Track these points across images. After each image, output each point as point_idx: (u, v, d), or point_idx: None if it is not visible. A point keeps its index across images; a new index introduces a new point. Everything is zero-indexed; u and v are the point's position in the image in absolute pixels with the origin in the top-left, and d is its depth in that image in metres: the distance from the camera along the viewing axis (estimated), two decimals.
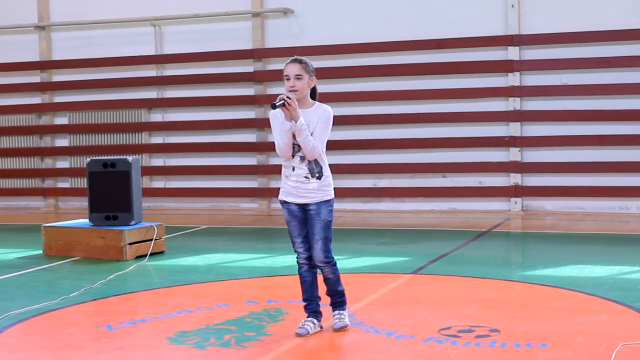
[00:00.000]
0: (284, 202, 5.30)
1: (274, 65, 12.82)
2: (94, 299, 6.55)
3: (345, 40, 12.49)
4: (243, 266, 8.14)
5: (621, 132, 11.48)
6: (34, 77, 14.13)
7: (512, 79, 11.87)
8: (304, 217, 5.25)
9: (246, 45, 13.07)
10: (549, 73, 11.80)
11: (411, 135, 12.32)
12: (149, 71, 13.61)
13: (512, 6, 11.83)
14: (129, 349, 5.15)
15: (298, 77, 5.13)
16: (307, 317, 5.35)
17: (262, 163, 13.06)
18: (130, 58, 13.53)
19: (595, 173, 11.64)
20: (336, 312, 5.44)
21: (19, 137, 14.29)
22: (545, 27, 11.75)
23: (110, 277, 7.47)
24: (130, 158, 8.79)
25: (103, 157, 9.15)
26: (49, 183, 14.18)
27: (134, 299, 6.72)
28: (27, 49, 14.13)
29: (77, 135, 14.01)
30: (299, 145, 5.13)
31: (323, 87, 5.39)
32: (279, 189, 5.37)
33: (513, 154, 11.92)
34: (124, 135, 13.74)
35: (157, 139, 13.71)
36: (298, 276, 5.40)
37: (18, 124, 14.25)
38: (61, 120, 14.11)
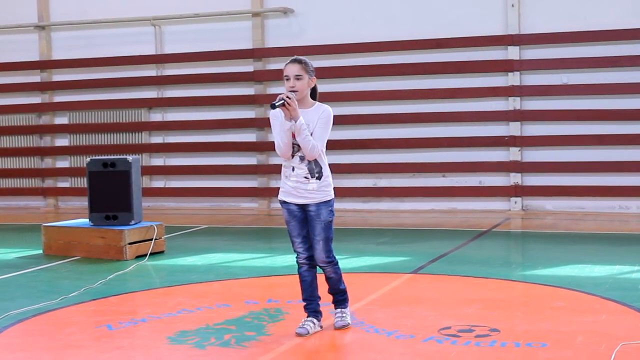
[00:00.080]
0: (283, 202, 5.30)
1: (274, 65, 12.82)
2: (94, 299, 6.55)
3: (345, 40, 12.49)
4: (243, 266, 8.14)
5: (621, 132, 11.49)
6: (34, 77, 14.13)
7: (512, 79, 11.87)
8: (304, 217, 5.25)
9: (246, 45, 13.07)
10: (549, 73, 11.80)
11: (411, 135, 12.32)
12: (149, 71, 13.61)
13: (512, 6, 11.83)
14: (128, 348, 5.15)
15: (298, 78, 5.13)
16: (307, 316, 5.35)
17: (262, 163, 13.07)
18: (130, 58, 13.52)
19: (595, 173, 11.63)
20: (338, 310, 5.44)
21: (19, 137, 14.29)
22: (545, 27, 11.75)
23: (110, 276, 7.47)
24: (130, 158, 8.79)
25: (103, 157, 9.15)
26: (49, 183, 14.18)
27: (134, 299, 6.71)
28: (27, 49, 14.13)
29: (77, 135, 14.01)
30: (298, 145, 5.13)
31: (323, 87, 5.39)
32: (279, 188, 5.37)
33: (513, 154, 11.92)
34: (124, 135, 13.74)
35: (157, 138, 13.71)
36: (298, 276, 5.40)
37: (18, 124, 14.25)
38: (61, 120, 14.11)
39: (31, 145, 14.26)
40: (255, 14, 12.96)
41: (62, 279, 7.57)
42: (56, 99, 14.12)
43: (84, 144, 13.94)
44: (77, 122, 13.93)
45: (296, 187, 5.21)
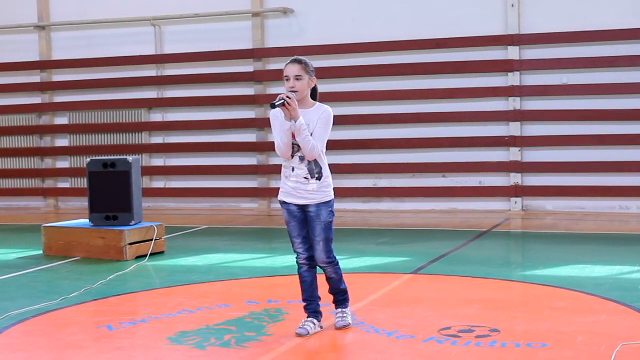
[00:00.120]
0: (283, 203, 5.30)
1: (274, 64, 12.83)
2: (94, 299, 6.55)
3: (345, 40, 12.49)
4: (243, 266, 8.14)
5: (621, 132, 11.49)
6: (34, 77, 14.13)
7: (512, 79, 11.87)
8: (304, 218, 5.25)
9: (246, 44, 13.07)
10: (549, 72, 11.80)
11: (411, 135, 12.32)
12: (149, 71, 13.61)
13: (512, 6, 11.83)
14: (129, 349, 5.15)
15: (297, 78, 5.13)
16: (307, 317, 5.35)
17: (262, 163, 13.07)
18: (130, 58, 13.53)
19: (595, 173, 11.64)
20: (339, 309, 5.44)
21: (19, 137, 14.29)
22: (545, 27, 11.75)
23: (110, 277, 7.47)
24: (130, 158, 8.79)
25: (103, 157, 9.15)
26: (49, 183, 14.18)
27: (134, 299, 6.71)
28: (27, 49, 14.13)
29: (77, 135, 14.01)
30: (298, 145, 5.13)
31: (322, 87, 5.39)
32: (278, 188, 5.37)
33: (513, 154, 11.92)
34: (124, 135, 13.74)
35: (157, 138, 13.71)
36: (298, 276, 5.40)
37: (18, 124, 14.24)
38: (61, 120, 14.11)
39: (31, 145, 14.26)
40: (255, 14, 12.96)
41: (62, 279, 7.57)
42: (56, 99, 14.12)
43: (84, 144, 13.94)
44: (77, 122, 13.93)
45: (296, 188, 5.21)
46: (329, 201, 5.24)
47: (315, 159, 5.17)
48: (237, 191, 13.22)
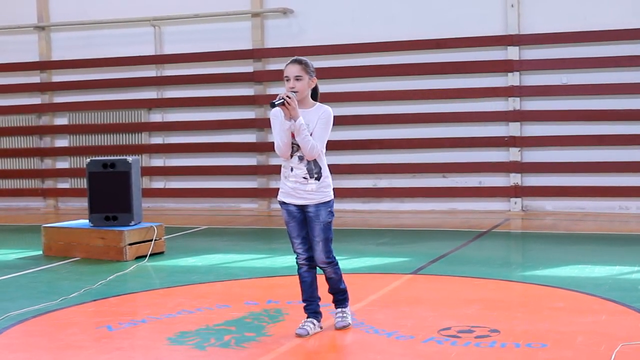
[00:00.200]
0: (282, 203, 5.30)
1: (274, 65, 12.82)
2: (94, 300, 6.55)
3: (345, 40, 12.49)
4: (243, 267, 8.14)
5: (621, 132, 11.48)
6: (34, 78, 14.13)
7: (512, 79, 11.87)
8: (303, 218, 5.24)
9: (246, 45, 13.07)
10: (549, 73, 11.80)
11: (411, 135, 12.32)
12: (149, 71, 13.61)
13: (512, 6, 11.82)
14: (128, 349, 5.15)
15: (298, 78, 5.13)
16: (307, 317, 5.35)
17: (262, 163, 13.06)
18: (130, 58, 13.52)
19: (595, 173, 11.63)
20: (338, 309, 5.45)
21: (19, 138, 14.29)
22: (544, 27, 11.74)
23: (110, 277, 7.47)
24: (130, 158, 8.79)
25: (103, 158, 9.14)
26: (48, 184, 14.18)
27: (134, 300, 6.71)
28: (26, 49, 14.13)
29: (77, 136, 14.01)
30: (298, 145, 5.13)
31: (322, 87, 5.38)
32: (278, 189, 5.37)
33: (513, 154, 11.92)
34: (124, 135, 13.74)
35: (157, 139, 13.71)
36: (298, 277, 5.39)
37: (18, 125, 14.24)
38: (61, 120, 14.11)
39: (31, 146, 14.25)
40: (255, 15, 12.96)
41: (62, 279, 7.57)
42: (56, 100, 14.12)
43: (84, 144, 13.94)
44: (77, 122, 13.92)
45: (295, 188, 5.20)
46: (329, 201, 5.23)
47: (314, 159, 5.17)
48: (237, 192, 13.22)
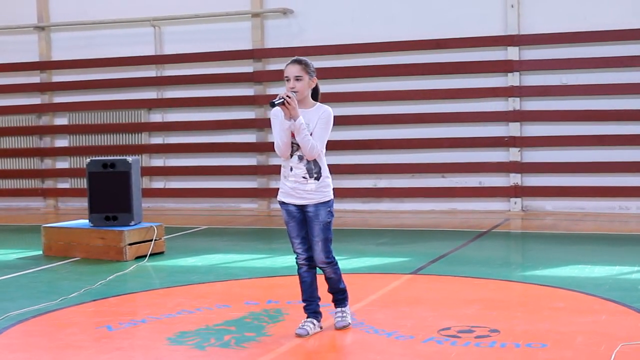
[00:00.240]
0: (282, 203, 5.30)
1: (274, 65, 12.82)
2: (94, 300, 6.55)
3: (345, 40, 12.48)
4: (243, 267, 8.14)
5: (621, 132, 11.48)
6: (34, 78, 14.13)
7: (512, 79, 11.87)
8: (303, 218, 5.24)
9: (246, 45, 13.07)
10: (549, 73, 11.80)
11: (411, 135, 12.32)
12: (149, 71, 13.61)
13: (512, 6, 11.82)
14: (128, 349, 5.15)
15: (298, 79, 5.13)
16: (307, 317, 5.35)
17: (261, 163, 13.06)
18: (130, 58, 13.52)
19: (595, 173, 11.63)
20: (338, 309, 5.45)
21: (19, 138, 14.29)
22: (544, 27, 11.74)
23: (110, 277, 7.47)
24: (130, 158, 8.79)
25: (103, 158, 9.14)
26: (48, 183, 14.18)
27: (134, 300, 6.71)
28: (26, 49, 14.13)
29: (77, 136, 14.01)
30: (297, 145, 5.13)
31: (322, 87, 5.38)
32: (278, 189, 5.37)
33: (513, 154, 11.92)
34: (124, 135, 13.74)
35: (157, 139, 13.71)
36: (298, 277, 5.39)
37: (18, 125, 14.24)
38: (61, 120, 14.11)
39: (31, 146, 14.25)
40: (255, 15, 12.96)
41: (62, 279, 7.57)
42: (56, 100, 14.12)
43: (84, 144, 13.94)
44: (77, 122, 13.92)
45: (294, 188, 5.20)
46: (328, 201, 5.23)
47: (314, 159, 5.16)
48: (237, 192, 13.22)
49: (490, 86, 11.98)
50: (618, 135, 11.48)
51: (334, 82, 12.26)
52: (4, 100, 14.21)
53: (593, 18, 11.56)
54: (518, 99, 11.88)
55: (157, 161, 13.71)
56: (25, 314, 6.05)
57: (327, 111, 5.21)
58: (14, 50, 14.19)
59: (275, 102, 5.03)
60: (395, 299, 6.38)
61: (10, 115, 14.23)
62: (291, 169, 5.20)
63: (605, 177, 11.60)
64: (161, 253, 8.79)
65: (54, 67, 14.08)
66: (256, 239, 10.48)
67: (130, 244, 8.49)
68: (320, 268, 5.33)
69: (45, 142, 14.17)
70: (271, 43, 13.00)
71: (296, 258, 5.35)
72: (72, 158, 14.04)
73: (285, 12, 12.86)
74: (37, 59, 14.10)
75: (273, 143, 5.27)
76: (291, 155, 5.18)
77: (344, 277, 5.45)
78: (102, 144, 13.81)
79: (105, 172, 8.78)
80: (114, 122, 13.72)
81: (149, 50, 13.57)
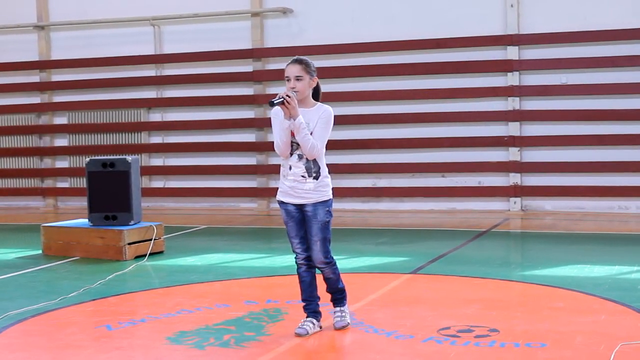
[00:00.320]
0: (281, 203, 5.29)
1: (273, 64, 12.83)
2: (93, 299, 6.55)
3: (345, 40, 12.48)
4: (242, 266, 8.14)
5: (621, 132, 11.49)
6: (33, 77, 14.13)
7: (512, 79, 11.87)
8: (302, 218, 5.24)
9: (245, 44, 13.07)
10: (549, 73, 11.80)
11: (411, 135, 12.32)
12: (148, 71, 13.61)
13: (512, 6, 11.82)
14: (128, 349, 5.15)
15: (298, 79, 5.12)
16: (307, 317, 5.35)
17: (261, 163, 13.06)
18: (129, 58, 13.52)
19: (595, 173, 11.63)
20: (337, 309, 5.44)
21: (18, 137, 14.29)
22: (544, 27, 11.75)
23: (110, 277, 7.46)
24: (129, 158, 8.78)
25: (102, 157, 9.15)
26: (48, 183, 14.18)
27: (133, 299, 6.71)
28: (26, 49, 14.13)
29: (77, 135, 14.01)
30: (297, 144, 5.12)
31: (322, 87, 5.38)
32: (277, 188, 5.36)
33: (512, 154, 11.92)
34: (123, 135, 13.74)
35: (157, 138, 13.71)
36: (297, 276, 5.39)
37: (17, 124, 14.24)
38: (60, 120, 14.11)
39: (30, 145, 14.25)
40: (255, 14, 12.96)
41: (62, 279, 7.57)
42: (55, 99, 14.12)
43: (83, 144, 13.94)
44: (77, 122, 13.92)
45: (293, 187, 5.20)
46: (327, 201, 5.23)
47: (314, 158, 5.16)
48: (236, 191, 13.22)
49: (490, 86, 11.98)
50: (618, 135, 11.48)
51: (333, 82, 12.25)
52: (4, 99, 14.21)
53: (593, 18, 11.56)
54: (518, 98, 11.88)
55: (157, 160, 13.71)
56: (25, 313, 6.04)
57: (328, 111, 5.21)
58: (14, 49, 14.19)
59: (275, 102, 5.03)
60: (394, 298, 6.37)
61: (10, 115, 14.23)
62: (290, 168, 5.19)
63: (605, 177, 11.60)
64: (160, 252, 8.79)
65: (53, 67, 14.08)
66: (256, 238, 10.47)
67: (130, 244, 8.49)
68: (318, 268, 5.32)
69: (45, 141, 14.17)
70: (271, 42, 13.00)
71: (295, 258, 5.35)
72: (71, 157, 14.04)
73: (285, 12, 12.86)
74: (36, 59, 14.10)
75: (272, 142, 5.27)
76: (291, 154, 5.18)
77: (343, 276, 5.45)
78: (102, 143, 13.81)
79: (104, 172, 8.78)
80: (114, 121, 13.72)
81: (149, 50, 13.56)
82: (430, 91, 12.19)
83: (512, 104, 11.90)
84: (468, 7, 12.10)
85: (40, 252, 9.01)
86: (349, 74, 12.49)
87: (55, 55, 14.12)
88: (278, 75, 11.97)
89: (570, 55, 11.63)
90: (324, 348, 5.09)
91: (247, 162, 13.17)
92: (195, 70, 13.25)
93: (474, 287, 6.75)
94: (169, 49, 13.51)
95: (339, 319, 5.40)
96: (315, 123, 5.14)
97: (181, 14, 13.28)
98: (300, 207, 5.22)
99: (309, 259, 5.30)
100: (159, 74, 13.57)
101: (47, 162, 14.24)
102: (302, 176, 5.17)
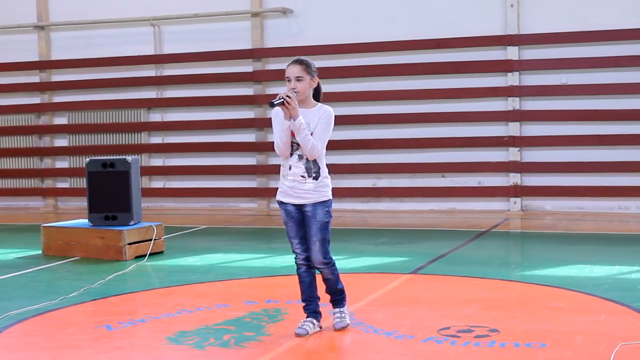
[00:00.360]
0: (281, 203, 5.29)
1: (273, 65, 12.83)
2: (93, 299, 6.55)
3: (345, 40, 12.49)
4: (242, 266, 8.14)
5: (621, 132, 11.49)
6: (33, 77, 14.13)
7: (512, 79, 11.87)
8: (301, 218, 5.24)
9: (245, 45, 13.07)
10: (549, 73, 11.80)
11: (411, 135, 12.32)
12: (148, 71, 13.61)
13: (512, 6, 11.83)
14: (128, 349, 5.15)
15: (299, 79, 5.12)
16: (307, 317, 5.35)
17: (261, 163, 13.07)
18: (129, 58, 13.52)
19: (595, 173, 11.64)
20: (337, 309, 5.44)
21: (18, 137, 14.29)
22: (544, 27, 11.75)
23: (110, 277, 7.46)
24: (129, 158, 8.78)
25: (102, 157, 9.15)
26: (48, 183, 14.18)
27: (133, 299, 6.71)
28: (26, 49, 14.13)
29: (77, 135, 14.01)
30: (297, 144, 5.12)
31: (322, 87, 5.38)
32: (277, 188, 5.36)
33: (512, 154, 11.92)
34: (123, 135, 13.74)
35: (157, 138, 13.71)
36: (297, 276, 5.39)
37: (17, 124, 14.24)
38: (60, 120, 14.11)
39: (30, 145, 14.25)
40: (255, 14, 12.96)
41: (62, 279, 7.57)
42: (55, 99, 14.12)
43: (83, 144, 13.94)
44: (77, 122, 13.92)
45: (293, 187, 5.20)
46: (326, 201, 5.22)
47: (314, 159, 5.16)
48: (236, 191, 13.22)
49: (490, 86, 11.98)
50: (618, 135, 11.48)
51: (333, 82, 12.24)
52: (4, 99, 14.21)
53: (593, 18, 11.57)
54: (518, 98, 11.89)
55: (157, 161, 13.71)
56: (25, 313, 6.04)
57: (328, 111, 5.21)
58: (14, 49, 14.19)
59: (275, 102, 5.03)
60: (394, 298, 6.37)
61: (10, 115, 14.24)
62: (290, 168, 5.19)
63: (605, 177, 11.61)
64: (161, 252, 8.79)
65: (53, 67, 14.08)
66: (256, 238, 10.47)
67: (130, 244, 8.49)
68: (317, 269, 5.32)
69: (45, 141, 14.17)
70: (271, 43, 13.00)
71: (295, 258, 5.35)
72: (71, 157, 14.04)
73: (285, 12, 12.86)
74: (36, 59, 14.10)
75: (272, 143, 5.27)
76: (291, 155, 5.18)
77: (343, 277, 5.45)
78: (102, 143, 13.81)
79: (104, 172, 8.78)
80: (114, 121, 13.72)
81: (149, 50, 13.57)
82: (430, 91, 12.19)
83: (512, 104, 11.91)
84: (468, 7, 12.11)
85: (40, 252, 9.01)
86: (348, 74, 12.49)
87: (55, 56, 14.12)
88: (278, 76, 11.96)
89: (570, 56, 11.63)
90: (324, 348, 5.10)
91: (247, 162, 13.17)
92: (196, 70, 13.25)
93: (473, 287, 6.75)
94: (169, 49, 13.51)
95: (338, 319, 5.40)
96: (316, 123, 5.14)
97: (181, 14, 13.28)
98: (299, 207, 5.22)
99: (308, 259, 5.30)
100: (159, 74, 13.57)
101: (47, 163, 14.24)
102: (302, 176, 5.17)
